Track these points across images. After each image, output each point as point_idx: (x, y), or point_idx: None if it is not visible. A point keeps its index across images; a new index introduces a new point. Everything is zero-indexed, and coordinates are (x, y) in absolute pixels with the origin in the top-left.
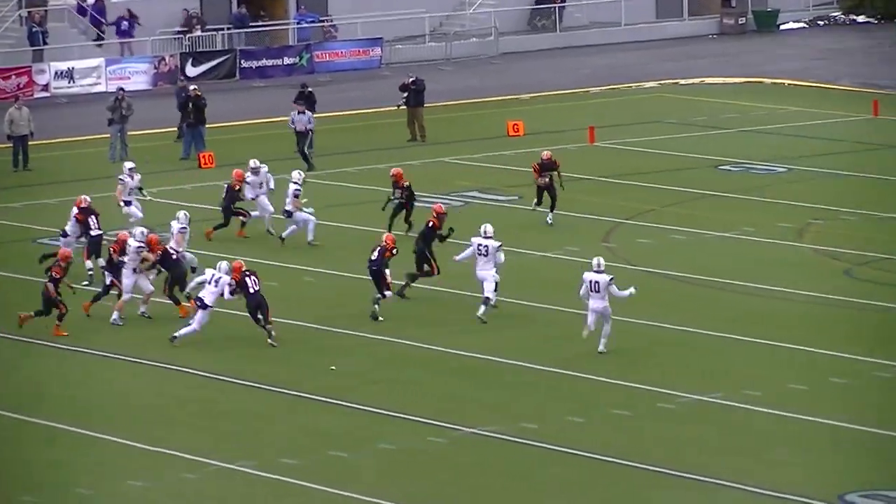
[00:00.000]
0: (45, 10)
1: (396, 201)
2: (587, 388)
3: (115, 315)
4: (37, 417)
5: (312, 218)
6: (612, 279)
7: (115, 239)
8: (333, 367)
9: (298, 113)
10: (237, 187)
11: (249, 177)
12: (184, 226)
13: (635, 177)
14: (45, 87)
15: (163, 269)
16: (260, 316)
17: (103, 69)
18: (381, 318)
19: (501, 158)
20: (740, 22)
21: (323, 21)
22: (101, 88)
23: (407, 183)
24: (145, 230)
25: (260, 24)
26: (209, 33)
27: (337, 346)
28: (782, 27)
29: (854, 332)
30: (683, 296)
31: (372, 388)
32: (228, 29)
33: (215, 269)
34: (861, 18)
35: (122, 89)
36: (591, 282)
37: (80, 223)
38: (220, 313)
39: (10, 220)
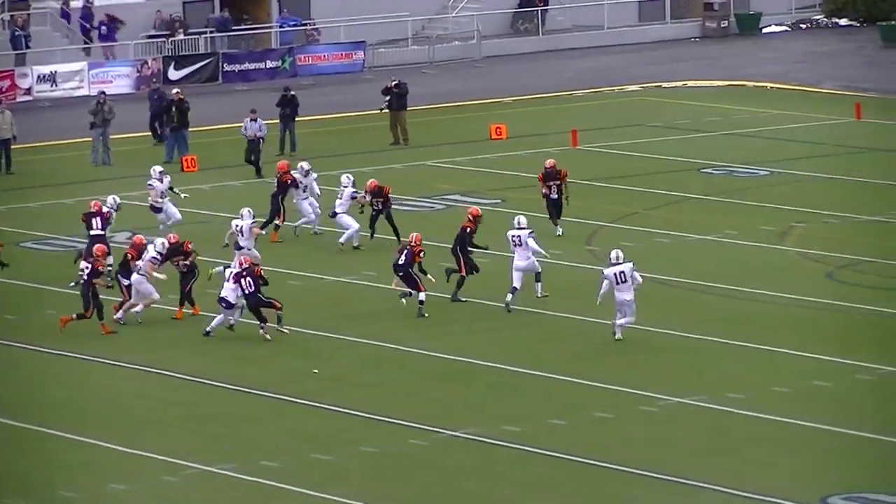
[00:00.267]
0: (28, 14)
1: (374, 211)
2: (570, 391)
3: (118, 314)
4: (19, 420)
5: (355, 224)
6: (633, 266)
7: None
8: (316, 371)
9: (251, 120)
10: (288, 180)
11: (298, 176)
12: (252, 221)
13: (618, 180)
14: (28, 91)
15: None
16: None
17: (86, 73)
18: (426, 315)
19: (484, 162)
20: (723, 25)
21: (305, 24)
22: (83, 92)
23: (386, 190)
24: (166, 241)
25: (243, 27)
26: (192, 37)
27: (320, 349)
28: (765, 30)
29: (836, 335)
30: (667, 299)
31: (354, 391)
32: (211, 32)
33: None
34: (843, 21)
35: (103, 93)
36: (616, 274)
37: (83, 222)
38: (202, 316)
39: None
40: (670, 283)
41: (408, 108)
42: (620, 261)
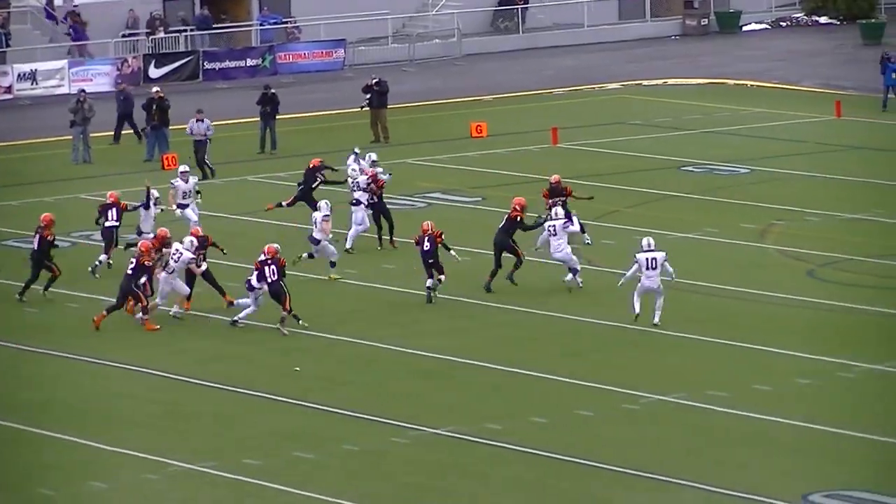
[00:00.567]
0: (8, 12)
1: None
2: (551, 389)
3: (138, 315)
4: None
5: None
6: (666, 255)
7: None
8: (297, 369)
9: (197, 121)
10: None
11: (350, 161)
12: (327, 214)
13: (598, 178)
14: (8, 89)
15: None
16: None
17: (66, 71)
18: (434, 301)
19: (465, 160)
20: (703, 23)
21: (286, 22)
22: (64, 90)
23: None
24: (194, 240)
25: (223, 25)
26: (172, 35)
27: (301, 348)
28: (745, 28)
29: (817, 333)
30: (647, 297)
31: (336, 390)
32: (191, 30)
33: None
34: (824, 19)
35: (83, 91)
36: (648, 259)
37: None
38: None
39: None
40: None
41: (388, 106)
42: (653, 247)
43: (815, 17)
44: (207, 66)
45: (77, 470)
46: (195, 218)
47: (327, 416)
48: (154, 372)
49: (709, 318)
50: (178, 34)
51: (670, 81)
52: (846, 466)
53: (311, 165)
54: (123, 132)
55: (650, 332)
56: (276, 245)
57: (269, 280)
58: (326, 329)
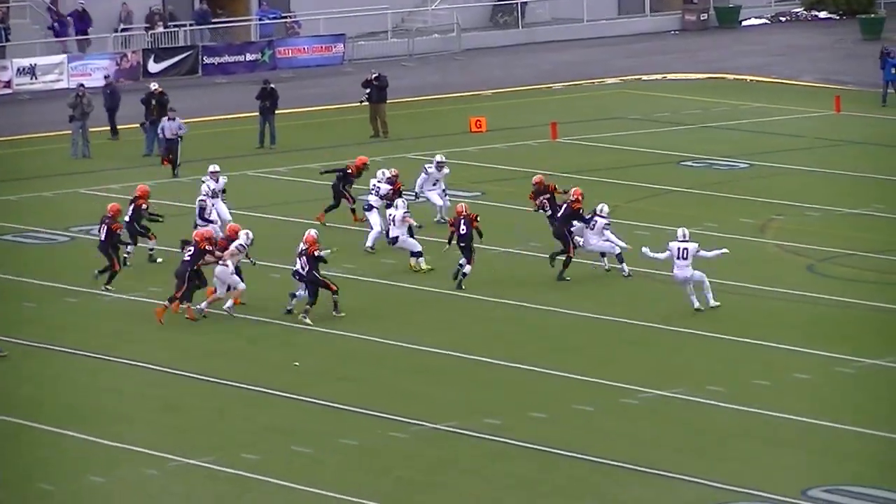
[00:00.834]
0: (7, 7)
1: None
2: (550, 384)
3: (202, 304)
4: None
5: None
6: (699, 246)
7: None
8: (297, 364)
9: (168, 119)
10: (354, 172)
11: (431, 169)
12: (406, 211)
13: (598, 172)
14: (8, 84)
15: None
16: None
17: (65, 66)
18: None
19: (464, 154)
20: (702, 18)
21: (285, 17)
22: (63, 85)
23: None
24: (250, 233)
25: (223, 20)
26: (171, 30)
27: (299, 343)
28: (744, 23)
29: (817, 328)
30: (647, 291)
31: (334, 385)
32: (191, 25)
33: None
34: (823, 14)
35: (82, 85)
36: (679, 249)
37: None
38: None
39: None
40: (651, 277)
41: (388, 101)
42: (686, 238)
43: (814, 12)
44: (207, 60)
45: (76, 465)
46: (227, 216)
47: (326, 410)
48: (152, 367)
49: (708, 313)
50: (177, 29)
51: (669, 76)
52: (846, 462)
53: (358, 163)
54: (128, 126)
55: (650, 327)
56: (314, 234)
57: (304, 270)
58: (325, 324)
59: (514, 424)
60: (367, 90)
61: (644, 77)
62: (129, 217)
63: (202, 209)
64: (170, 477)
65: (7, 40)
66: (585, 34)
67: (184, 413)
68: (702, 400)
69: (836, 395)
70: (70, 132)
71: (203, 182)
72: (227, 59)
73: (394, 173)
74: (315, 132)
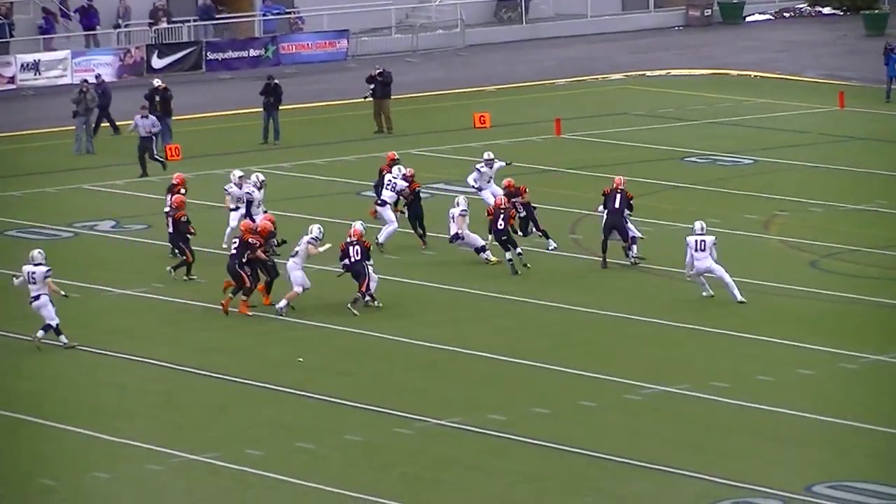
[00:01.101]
0: (11, 3)
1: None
2: (554, 380)
3: (282, 303)
4: None
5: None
6: (715, 239)
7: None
8: (301, 359)
9: (142, 117)
10: (387, 169)
11: (483, 168)
12: (464, 209)
13: (602, 168)
14: (11, 80)
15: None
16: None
17: (69, 61)
18: (528, 265)
19: (468, 150)
20: (706, 14)
21: (289, 13)
22: (66, 81)
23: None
24: (321, 227)
25: (226, 16)
26: (175, 25)
27: (302, 339)
28: (748, 19)
29: (821, 324)
30: (651, 287)
31: (338, 381)
32: (194, 21)
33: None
34: (827, 10)
35: (86, 81)
36: (697, 241)
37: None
38: (175, 303)
39: None
40: (654, 272)
41: (391, 97)
42: (704, 231)
43: (818, 8)
44: (210, 56)
45: (78, 460)
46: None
47: (330, 406)
48: (154, 362)
49: (712, 309)
50: (181, 24)
51: (673, 72)
52: (849, 457)
53: (388, 160)
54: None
55: (651, 323)
56: (361, 227)
57: (352, 260)
58: (328, 319)
59: (518, 420)
60: (371, 86)
61: (648, 73)
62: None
63: (249, 203)
64: (172, 473)
65: (11, 36)
66: (589, 30)
67: (186, 409)
68: (705, 396)
69: (840, 391)
70: (73, 128)
71: (225, 190)
72: (230, 54)
73: (410, 172)
74: (319, 128)
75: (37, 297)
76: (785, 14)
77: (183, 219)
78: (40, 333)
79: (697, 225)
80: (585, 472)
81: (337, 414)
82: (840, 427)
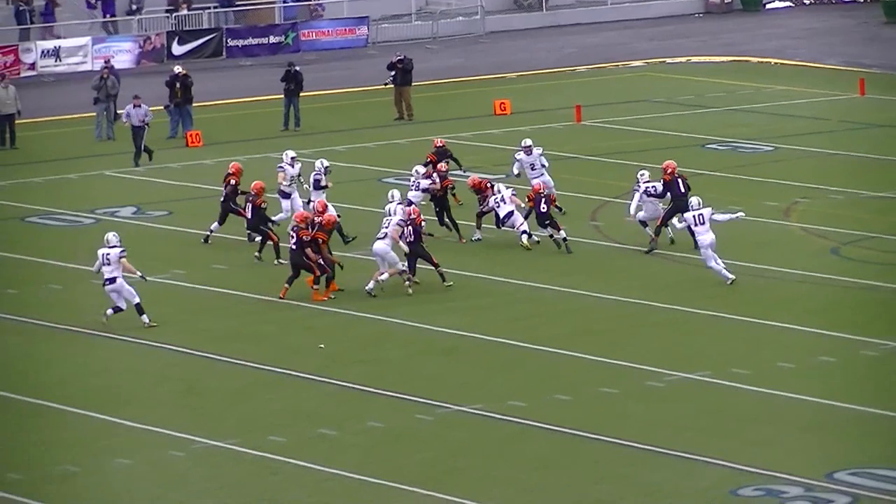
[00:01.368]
0: None
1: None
2: (575, 367)
3: (370, 284)
4: (21, 395)
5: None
6: (712, 210)
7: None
8: (322, 346)
9: (134, 107)
10: (434, 158)
11: (521, 155)
12: (513, 191)
13: (622, 155)
14: (32, 66)
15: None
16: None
17: (89, 48)
18: (571, 251)
19: (488, 137)
20: (726, 1)
21: (309, 0)
22: (87, 67)
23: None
24: (409, 210)
25: (247, 2)
26: (195, 12)
27: (323, 326)
28: (768, 6)
29: (841, 311)
30: (671, 274)
31: (359, 367)
32: (215, 8)
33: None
34: None
35: (107, 67)
36: (695, 216)
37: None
38: (197, 290)
39: None
40: (675, 259)
41: (412, 84)
42: (700, 206)
43: None
44: (231, 43)
45: (100, 446)
46: (298, 205)
47: (351, 393)
48: (176, 349)
49: (732, 296)
50: (201, 11)
51: (693, 59)
52: (870, 444)
53: (436, 144)
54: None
55: (675, 310)
56: (415, 207)
57: (408, 241)
58: (348, 306)
59: (539, 407)
60: (392, 73)
61: (668, 60)
62: (224, 195)
63: (317, 181)
64: (194, 459)
65: (31, 22)
66: (609, 17)
67: (208, 395)
68: (726, 382)
69: (861, 377)
70: (94, 114)
71: (280, 168)
72: (250, 41)
73: (443, 168)
74: (339, 115)
75: (112, 280)
76: (805, 1)
77: (263, 205)
78: (109, 312)
79: (694, 200)
80: (607, 459)
81: (358, 400)
82: (861, 414)
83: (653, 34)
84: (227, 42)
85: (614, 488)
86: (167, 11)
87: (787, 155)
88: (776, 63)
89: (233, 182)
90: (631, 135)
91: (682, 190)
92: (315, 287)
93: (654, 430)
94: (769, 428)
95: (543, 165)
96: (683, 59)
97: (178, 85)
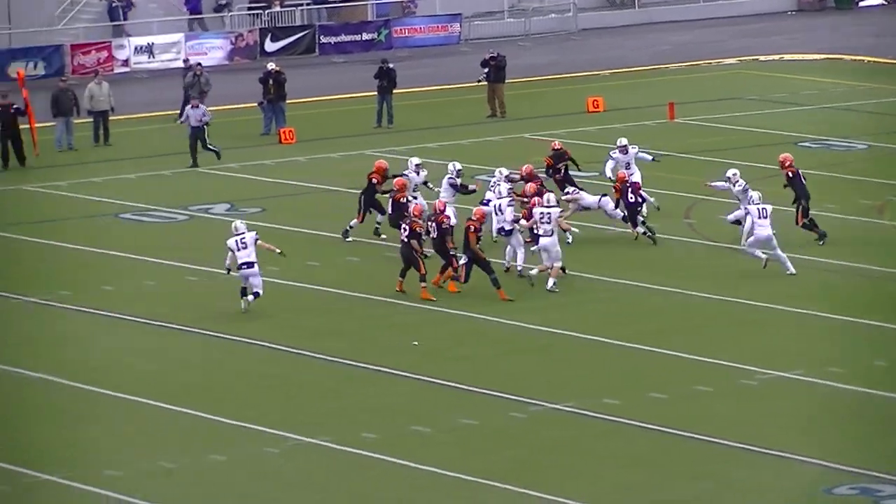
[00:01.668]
0: None
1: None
2: (669, 365)
3: (550, 282)
4: (116, 391)
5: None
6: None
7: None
8: (416, 343)
9: (192, 107)
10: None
11: (616, 154)
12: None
13: (715, 153)
14: (125, 63)
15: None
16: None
17: (182, 44)
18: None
19: (581, 135)
20: None
21: None
22: (179, 64)
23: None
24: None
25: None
26: (288, 9)
27: (416, 323)
28: (861, 4)
29: None
30: (762, 272)
31: (452, 364)
32: (308, 5)
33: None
34: None
35: (199, 64)
36: (760, 209)
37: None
38: (290, 287)
39: (92, 195)
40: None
41: (505, 81)
42: (761, 199)
43: None
44: (323, 40)
45: (195, 443)
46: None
47: (444, 390)
48: (267, 345)
49: (826, 294)
50: (294, 8)
51: (787, 57)
52: None
53: (554, 147)
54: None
55: (769, 308)
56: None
57: (433, 236)
58: (442, 304)
59: (633, 405)
60: (486, 69)
61: (761, 58)
62: (364, 190)
63: (453, 185)
64: (288, 455)
65: (125, 19)
66: (702, 14)
67: (301, 392)
68: (820, 381)
69: None
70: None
71: (404, 175)
72: (343, 38)
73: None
74: (431, 112)
75: (250, 265)
76: None
77: (402, 200)
78: (250, 298)
79: (755, 194)
80: (701, 457)
81: (451, 397)
82: None
83: (745, 32)
84: (319, 39)
85: (709, 486)
86: (257, 8)
87: (880, 153)
88: (869, 61)
89: (374, 181)
90: (724, 132)
91: (804, 182)
92: (422, 284)
93: (749, 429)
94: (865, 427)
95: (649, 160)
96: (776, 57)
97: (271, 82)
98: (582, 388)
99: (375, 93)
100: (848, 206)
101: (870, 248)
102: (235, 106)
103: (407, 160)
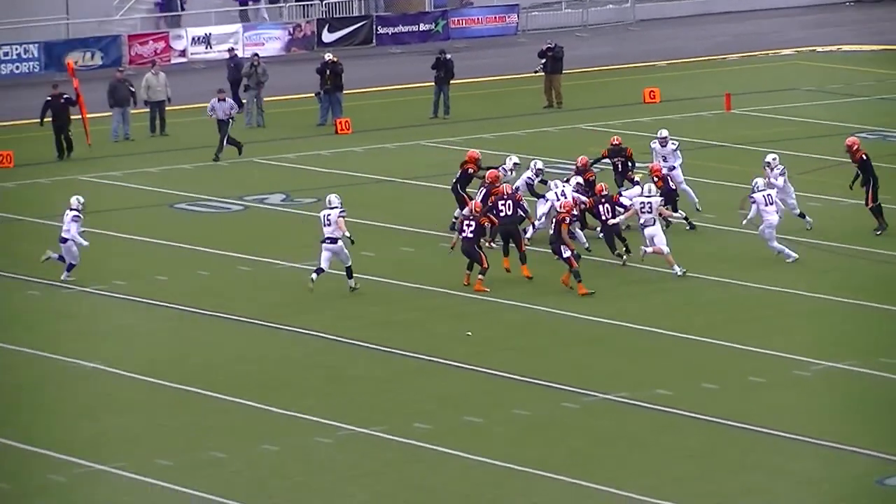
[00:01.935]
0: None
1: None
2: (722, 356)
3: (676, 269)
4: (170, 381)
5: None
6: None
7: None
8: (469, 333)
9: (219, 101)
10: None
11: (655, 144)
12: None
13: (772, 144)
14: (183, 53)
15: None
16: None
17: (240, 35)
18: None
19: (637, 125)
20: None
21: None
22: (237, 55)
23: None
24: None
25: None
26: (346, 0)
27: (471, 313)
28: None
29: None
30: (818, 262)
31: (505, 355)
32: None
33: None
34: None
35: (257, 55)
36: (765, 196)
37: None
38: (344, 277)
39: (148, 185)
40: (822, 248)
41: (562, 72)
42: (765, 187)
43: None
44: (380, 30)
45: (247, 432)
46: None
47: (497, 380)
48: (320, 335)
49: (880, 286)
50: None
51: (844, 48)
52: None
53: (612, 142)
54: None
55: (822, 299)
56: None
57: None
58: (495, 294)
59: (686, 396)
60: (543, 60)
61: (818, 48)
62: (456, 179)
63: (530, 185)
64: (340, 445)
65: (183, 9)
66: (759, 5)
67: (354, 382)
68: (873, 372)
69: None
70: (245, 101)
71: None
72: (400, 29)
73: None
74: (488, 103)
75: (332, 241)
76: None
77: (498, 194)
78: (351, 282)
79: (761, 182)
80: (754, 448)
81: (504, 388)
82: None
83: (803, 22)
84: (377, 30)
85: (762, 477)
86: None
87: None
88: None
89: (470, 171)
90: (780, 123)
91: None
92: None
93: (801, 419)
94: None
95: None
96: (834, 48)
97: (328, 72)
98: (635, 378)
99: (432, 83)
100: None
101: None
102: (292, 96)
103: (505, 158)
